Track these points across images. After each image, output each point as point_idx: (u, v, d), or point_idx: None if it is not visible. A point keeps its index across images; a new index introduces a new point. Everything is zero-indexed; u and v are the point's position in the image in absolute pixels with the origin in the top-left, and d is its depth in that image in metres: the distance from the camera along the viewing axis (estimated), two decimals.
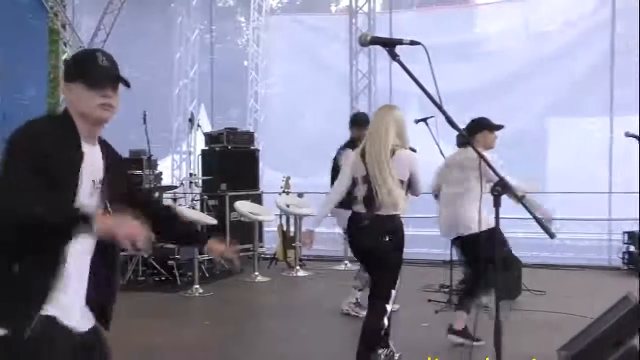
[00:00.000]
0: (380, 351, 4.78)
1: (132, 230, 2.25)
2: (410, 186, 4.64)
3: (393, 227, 4.52)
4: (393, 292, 4.50)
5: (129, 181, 2.94)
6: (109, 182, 2.59)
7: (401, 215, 4.61)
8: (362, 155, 4.64)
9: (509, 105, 10.20)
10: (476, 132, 5.58)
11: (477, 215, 4.84)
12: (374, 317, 4.52)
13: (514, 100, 10.30)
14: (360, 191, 4.62)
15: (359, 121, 6.78)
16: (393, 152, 4.54)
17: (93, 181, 2.52)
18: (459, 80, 10.04)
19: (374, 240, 4.53)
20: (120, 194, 2.63)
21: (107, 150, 2.66)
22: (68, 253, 2.40)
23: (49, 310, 2.37)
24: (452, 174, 5.61)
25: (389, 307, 4.50)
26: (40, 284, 2.36)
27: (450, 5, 11.86)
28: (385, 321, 4.52)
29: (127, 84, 2.59)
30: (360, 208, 4.62)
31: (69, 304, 2.44)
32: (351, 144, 6.65)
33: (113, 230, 2.24)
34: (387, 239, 4.49)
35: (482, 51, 11.11)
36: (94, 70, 2.51)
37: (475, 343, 4.90)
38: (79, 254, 2.46)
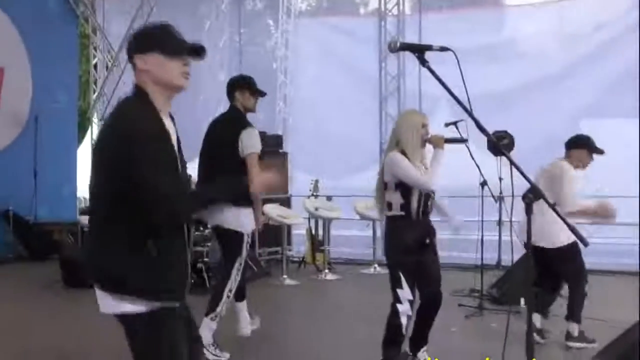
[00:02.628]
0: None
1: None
2: (407, 186, 4.64)
3: (388, 227, 4.73)
4: (399, 291, 4.59)
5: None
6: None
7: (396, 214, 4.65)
8: None
9: (541, 108, 10.10)
10: (574, 147, 5.83)
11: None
12: (389, 315, 4.69)
13: (545, 103, 10.18)
14: None
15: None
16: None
17: (180, 153, 2.77)
18: (489, 83, 9.94)
19: (383, 238, 4.85)
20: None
21: (173, 120, 2.82)
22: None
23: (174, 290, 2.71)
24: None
25: (399, 307, 4.59)
26: (172, 266, 2.66)
27: (480, 7, 11.74)
28: (402, 320, 4.60)
29: (202, 54, 2.77)
30: None
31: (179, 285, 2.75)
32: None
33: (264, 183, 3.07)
34: (384, 239, 4.81)
35: (513, 53, 10.97)
36: (173, 41, 2.70)
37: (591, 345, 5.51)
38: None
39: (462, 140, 4.86)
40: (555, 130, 9.93)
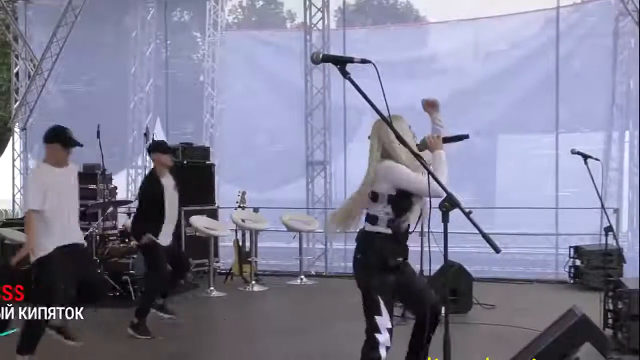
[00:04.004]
0: None
1: None
2: (410, 195, 4.10)
3: (366, 243, 4.15)
4: (377, 318, 4.02)
5: None
6: None
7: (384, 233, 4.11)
8: None
9: (459, 121, 10.41)
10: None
11: None
12: (364, 347, 4.10)
13: (463, 117, 10.52)
14: None
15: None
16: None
17: None
18: (410, 96, 10.17)
19: (355, 255, 4.23)
20: None
21: None
22: None
23: None
24: None
25: (378, 337, 4.01)
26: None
27: (402, 23, 12.08)
28: (381, 352, 4.02)
29: None
30: None
31: None
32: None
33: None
34: (358, 256, 4.18)
35: (434, 68, 11.32)
36: None
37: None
38: None
39: (463, 137, 4.35)
40: (472, 144, 10.30)
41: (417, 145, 4.12)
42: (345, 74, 3.02)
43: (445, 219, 3.16)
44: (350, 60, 3.06)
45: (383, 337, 4.01)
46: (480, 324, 6.88)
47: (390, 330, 4.04)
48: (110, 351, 6.18)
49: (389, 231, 4.10)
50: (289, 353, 6.21)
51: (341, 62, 3.03)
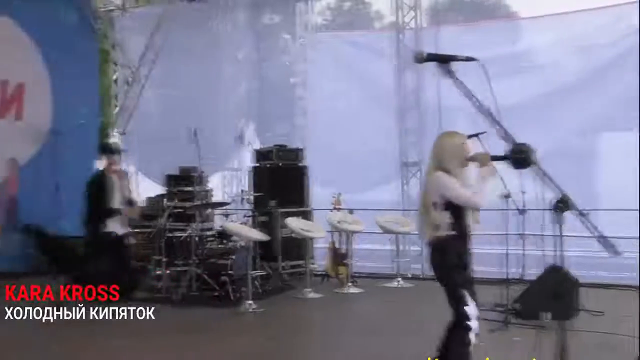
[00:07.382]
0: None
1: None
2: (457, 205, 4.56)
3: (439, 246, 4.61)
4: (466, 308, 4.47)
5: None
6: None
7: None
8: None
9: (557, 120, 10.03)
10: None
11: None
12: (457, 333, 4.54)
13: (562, 115, 10.10)
14: None
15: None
16: None
17: None
18: (506, 95, 9.84)
19: (431, 260, 4.72)
20: None
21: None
22: None
23: None
24: None
25: (470, 324, 4.47)
26: None
27: (495, 19, 11.69)
28: (471, 337, 4.49)
29: None
30: None
31: None
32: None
33: None
34: (437, 258, 4.66)
35: (529, 65, 10.90)
36: None
37: None
38: None
39: (507, 158, 4.75)
40: (572, 142, 9.89)
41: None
42: (449, 73, 2.95)
43: (559, 220, 3.04)
44: (454, 58, 3.00)
45: (474, 324, 4.47)
46: (588, 332, 6.56)
47: (478, 318, 4.51)
48: (210, 350, 6.27)
49: (455, 233, 4.56)
50: (388, 353, 6.14)
51: (445, 61, 2.96)
